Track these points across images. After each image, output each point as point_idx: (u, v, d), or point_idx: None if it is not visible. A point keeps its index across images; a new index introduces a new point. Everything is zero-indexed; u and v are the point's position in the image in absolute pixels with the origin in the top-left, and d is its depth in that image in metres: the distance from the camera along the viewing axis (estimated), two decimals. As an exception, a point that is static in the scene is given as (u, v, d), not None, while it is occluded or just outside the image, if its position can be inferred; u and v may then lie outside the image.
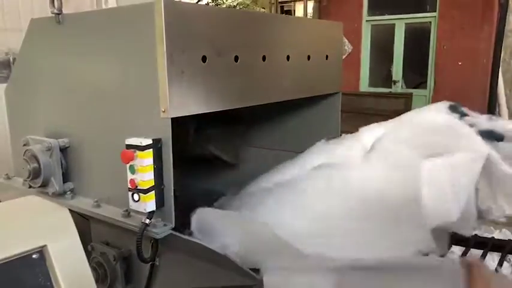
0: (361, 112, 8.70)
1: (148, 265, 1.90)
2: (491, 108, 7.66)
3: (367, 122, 8.52)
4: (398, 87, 8.82)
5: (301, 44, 2.17)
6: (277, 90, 2.03)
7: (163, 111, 1.52)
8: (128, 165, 1.56)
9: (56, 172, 1.91)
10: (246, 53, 1.82)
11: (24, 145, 2.00)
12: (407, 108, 8.33)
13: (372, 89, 9.09)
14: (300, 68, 2.16)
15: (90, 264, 2.11)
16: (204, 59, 1.62)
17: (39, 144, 1.93)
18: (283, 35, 2.06)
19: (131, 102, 1.65)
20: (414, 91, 8.54)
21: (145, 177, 1.53)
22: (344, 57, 9.07)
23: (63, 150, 1.95)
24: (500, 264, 1.83)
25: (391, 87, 8.88)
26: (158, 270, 1.96)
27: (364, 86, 9.18)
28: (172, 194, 1.59)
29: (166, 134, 1.55)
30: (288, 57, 2.07)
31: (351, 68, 9.11)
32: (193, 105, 1.61)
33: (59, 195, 1.95)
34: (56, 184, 1.92)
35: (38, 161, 1.89)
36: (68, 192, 1.95)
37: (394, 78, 8.85)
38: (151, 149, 1.53)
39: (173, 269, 1.92)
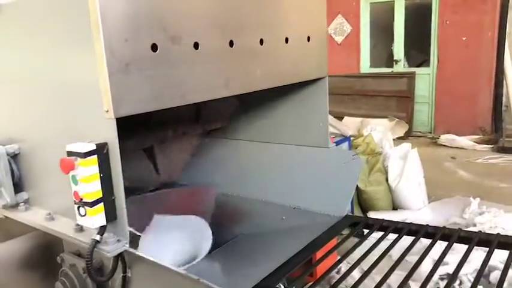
0: (363, 94, 8.43)
1: (120, 277, 1.73)
2: (498, 83, 7.36)
3: (370, 104, 8.33)
4: (401, 67, 8.51)
5: (277, 25, 1.94)
6: (250, 80, 1.80)
7: (107, 111, 1.31)
8: (69, 176, 1.35)
9: (5, 182, 1.72)
10: (208, 39, 1.59)
11: (-29, 153, 1.80)
12: (411, 87, 8.03)
13: (374, 70, 8.80)
14: (276, 52, 1.92)
15: (59, 277, 1.94)
16: (154, 47, 1.40)
17: (-16, 152, 1.73)
18: (254, 15, 1.82)
19: (72, 101, 1.45)
20: (417, 70, 8.23)
21: (90, 188, 1.33)
22: (343, 38, 8.85)
23: (14, 157, 1.76)
24: (508, 263, 1.62)
25: (393, 67, 8.57)
26: (131, 282, 1.78)
27: (365, 67, 8.88)
28: (124, 205, 1.39)
29: (112, 137, 1.34)
30: (261, 41, 1.84)
31: (351, 49, 8.80)
32: (143, 102, 1.39)
33: (12, 207, 1.76)
34: (6, 195, 1.73)
35: (-17, 171, 1.70)
36: (22, 204, 1.76)
37: (395, 57, 8.53)
38: (95, 156, 1.33)
39: (145, 281, 1.74)
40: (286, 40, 1.97)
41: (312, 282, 1.65)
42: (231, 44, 1.69)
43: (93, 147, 1.32)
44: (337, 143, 4.09)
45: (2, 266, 2.01)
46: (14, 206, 1.76)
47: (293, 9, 2.05)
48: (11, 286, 2.09)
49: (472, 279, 2.94)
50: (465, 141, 7.21)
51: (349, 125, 6.81)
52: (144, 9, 1.38)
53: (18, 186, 1.77)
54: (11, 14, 1.62)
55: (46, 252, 2.13)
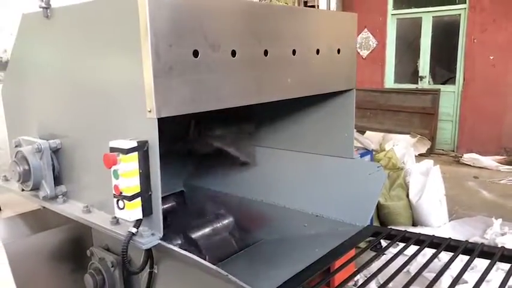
0: (386, 109, 8.42)
1: (147, 272, 1.80)
2: (526, 104, 7.29)
3: (392, 120, 8.33)
4: (425, 83, 8.49)
5: (309, 37, 2.00)
6: (281, 88, 1.87)
7: (149, 111, 1.39)
8: (111, 170, 1.44)
9: (46, 175, 1.82)
10: (245, 47, 1.67)
11: (16, 146, 1.92)
12: (435, 104, 7.99)
13: (398, 85, 8.79)
14: (307, 63, 1.99)
15: (88, 270, 2.02)
16: (195, 53, 1.49)
17: (29, 145, 1.84)
18: (288, 27, 1.89)
19: (117, 100, 1.53)
20: (442, 87, 8.20)
21: (130, 183, 1.41)
22: (368, 52, 8.88)
23: (56, 151, 1.86)
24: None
25: (417, 83, 8.55)
26: (157, 277, 1.85)
27: (389, 82, 8.88)
28: (160, 201, 1.46)
29: (152, 136, 1.42)
30: (293, 52, 1.91)
31: (376, 64, 8.83)
32: (183, 104, 1.47)
33: (51, 199, 1.86)
34: (47, 187, 1.83)
35: (28, 163, 1.81)
36: (60, 196, 1.86)
37: (420, 73, 8.52)
38: (136, 152, 1.41)
39: (172, 277, 1.81)
40: (318, 51, 2.04)
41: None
42: (266, 53, 1.77)
43: (134, 144, 1.41)
44: (359, 156, 4.13)
45: (37, 255, 2.11)
46: (53, 198, 1.85)
47: (325, 22, 2.12)
48: (43, 276, 2.18)
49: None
50: (489, 161, 7.12)
51: (371, 139, 6.81)
52: (188, 18, 1.46)
53: (57, 180, 1.87)
54: (62, 17, 1.73)
55: (77, 246, 2.22)
